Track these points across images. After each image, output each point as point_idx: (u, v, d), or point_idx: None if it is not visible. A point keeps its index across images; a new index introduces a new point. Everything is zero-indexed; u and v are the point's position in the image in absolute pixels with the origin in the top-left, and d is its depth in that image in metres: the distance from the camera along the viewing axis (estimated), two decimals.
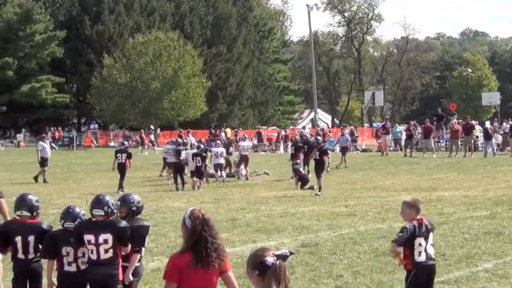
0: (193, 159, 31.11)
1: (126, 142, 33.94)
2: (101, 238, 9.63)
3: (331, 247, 15.92)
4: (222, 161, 34.71)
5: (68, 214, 10.02)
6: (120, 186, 29.82)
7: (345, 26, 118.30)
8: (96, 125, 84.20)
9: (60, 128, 78.13)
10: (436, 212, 20.96)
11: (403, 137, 53.25)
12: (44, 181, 34.49)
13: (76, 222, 9.90)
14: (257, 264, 5.57)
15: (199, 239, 7.18)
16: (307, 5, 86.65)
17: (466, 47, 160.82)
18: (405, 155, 46.90)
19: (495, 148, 45.86)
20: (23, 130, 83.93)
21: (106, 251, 9.64)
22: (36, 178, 34.51)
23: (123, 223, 9.93)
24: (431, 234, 10.27)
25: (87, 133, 78.77)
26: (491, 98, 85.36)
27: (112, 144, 72.79)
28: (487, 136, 45.55)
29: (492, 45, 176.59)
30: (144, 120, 75.76)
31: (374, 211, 21.57)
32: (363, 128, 79.68)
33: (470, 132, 46.81)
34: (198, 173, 31.09)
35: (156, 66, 75.34)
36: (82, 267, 9.85)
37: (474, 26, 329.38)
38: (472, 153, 45.24)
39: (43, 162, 35.34)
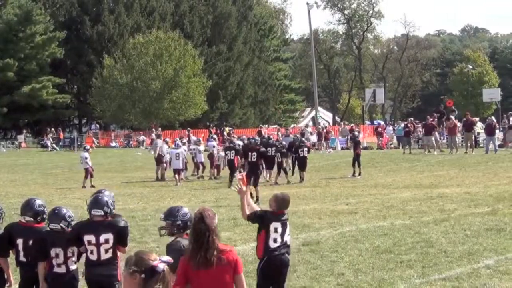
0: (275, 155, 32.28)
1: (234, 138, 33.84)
2: (102, 238, 9.61)
3: (332, 245, 15.94)
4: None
5: (54, 215, 9.95)
6: (230, 182, 30.68)
7: (345, 24, 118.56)
8: (97, 125, 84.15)
9: (60, 128, 78.07)
10: (438, 209, 20.98)
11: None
12: (162, 178, 35.06)
13: (61, 223, 9.83)
14: (146, 269, 5.55)
15: (197, 237, 7.21)
16: (307, 3, 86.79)
17: (467, 44, 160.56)
18: (403, 153, 46.86)
19: (497, 144, 45.75)
20: (24, 131, 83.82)
21: (106, 251, 9.63)
22: (162, 177, 35.08)
23: (123, 223, 9.92)
24: (288, 225, 10.13)
25: (88, 134, 78.72)
26: (492, 94, 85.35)
27: (113, 144, 72.77)
28: (490, 132, 45.41)
29: (492, 42, 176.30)
30: (144, 120, 75.82)
31: (375, 209, 21.57)
32: (364, 126, 79.61)
33: (470, 129, 46.73)
34: (280, 168, 32.17)
35: (156, 66, 75.38)
36: (72, 267, 9.82)
37: (474, 22, 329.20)
38: (473, 150, 45.21)
39: (160, 159, 35.40)
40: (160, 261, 5.62)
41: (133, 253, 5.79)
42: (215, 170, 36.08)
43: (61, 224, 9.82)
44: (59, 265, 9.78)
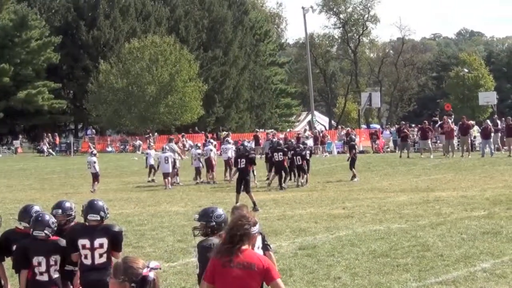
0: (295, 159, 32.31)
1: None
2: (97, 242, 9.60)
3: (329, 249, 15.93)
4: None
5: (38, 222, 9.83)
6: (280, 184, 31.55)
7: (341, 28, 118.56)
8: (93, 130, 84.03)
9: (56, 134, 78.00)
10: (434, 213, 20.98)
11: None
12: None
13: (45, 230, 9.75)
14: (137, 280, 5.55)
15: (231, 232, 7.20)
16: (303, 8, 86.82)
17: (462, 47, 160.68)
18: (400, 157, 46.85)
19: (493, 148, 45.68)
20: (20, 136, 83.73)
21: (101, 255, 9.61)
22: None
23: (118, 228, 9.92)
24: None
25: (84, 139, 78.66)
26: (488, 97, 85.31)
27: (109, 149, 72.73)
28: (486, 136, 45.37)
29: (488, 45, 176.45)
30: (140, 125, 75.81)
31: (371, 213, 21.57)
32: (360, 130, 79.57)
33: (466, 132, 46.72)
34: (303, 171, 32.49)
35: (152, 70, 75.40)
36: (54, 276, 9.76)
37: (470, 26, 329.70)
38: (469, 153, 45.19)
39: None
40: (150, 269, 5.61)
41: (120, 259, 5.77)
42: (213, 174, 36.14)
43: (45, 231, 9.73)
44: (41, 274, 9.69)
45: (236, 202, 24.16)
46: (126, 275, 5.57)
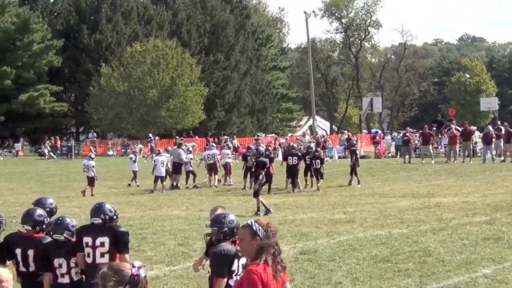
0: (312, 162, 32.39)
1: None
2: (98, 240, 9.65)
3: (330, 254, 15.91)
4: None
5: (57, 225, 9.88)
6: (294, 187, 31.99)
7: (343, 33, 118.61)
8: (94, 134, 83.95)
9: (57, 137, 77.97)
10: (435, 218, 20.96)
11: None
12: (176, 186, 35.24)
13: (65, 234, 9.77)
14: (130, 281, 5.64)
15: (274, 249, 7.10)
16: (305, 12, 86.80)
17: (464, 53, 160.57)
18: (404, 162, 46.79)
19: (494, 154, 45.56)
20: (21, 139, 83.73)
21: (102, 255, 9.61)
22: (177, 185, 35.25)
23: (122, 228, 9.95)
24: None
25: (86, 142, 78.65)
26: (490, 103, 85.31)
27: (110, 153, 72.67)
28: (487, 141, 45.32)
29: (489, 51, 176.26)
30: (142, 128, 75.75)
31: (373, 218, 21.55)
32: (362, 135, 79.57)
33: (468, 138, 46.66)
34: (319, 174, 32.36)
35: (154, 74, 75.41)
36: (76, 278, 9.78)
37: (472, 31, 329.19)
38: (470, 159, 45.15)
39: (178, 167, 35.63)
40: (137, 268, 5.68)
41: (105, 267, 5.79)
42: (215, 177, 35.96)
43: (64, 235, 9.76)
44: (62, 275, 9.74)
45: (257, 206, 24.46)
46: (119, 278, 5.62)
